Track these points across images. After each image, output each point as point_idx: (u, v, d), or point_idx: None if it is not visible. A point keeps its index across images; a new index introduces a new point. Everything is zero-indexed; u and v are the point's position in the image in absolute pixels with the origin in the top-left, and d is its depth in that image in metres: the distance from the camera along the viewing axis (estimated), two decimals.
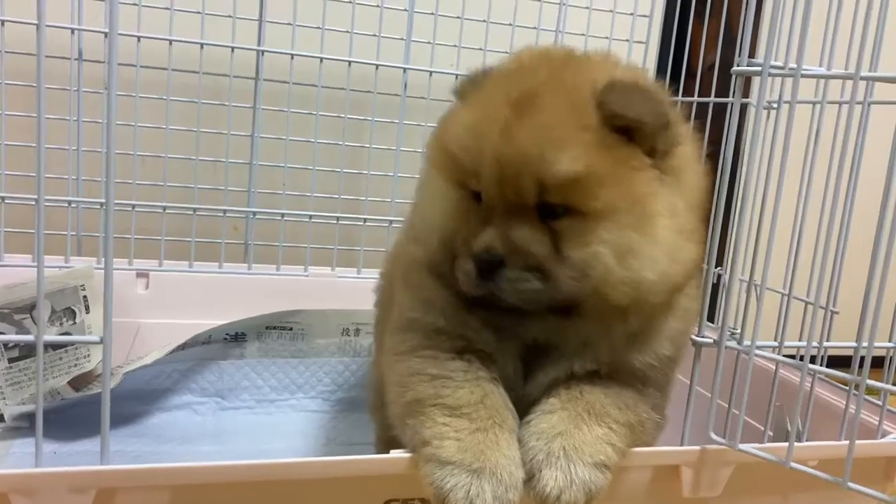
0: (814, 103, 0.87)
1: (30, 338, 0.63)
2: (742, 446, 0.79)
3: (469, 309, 0.76)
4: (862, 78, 0.70)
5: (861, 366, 0.76)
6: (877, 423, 0.90)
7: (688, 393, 0.83)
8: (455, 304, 0.76)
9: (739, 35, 0.76)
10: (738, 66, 0.75)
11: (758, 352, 0.78)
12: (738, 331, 1.02)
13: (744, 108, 0.81)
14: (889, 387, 0.80)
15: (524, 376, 0.78)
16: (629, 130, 0.69)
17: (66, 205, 1.35)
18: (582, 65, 0.75)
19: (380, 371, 0.97)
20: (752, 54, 0.78)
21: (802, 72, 0.72)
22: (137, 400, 1.33)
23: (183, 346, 1.29)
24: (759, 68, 0.73)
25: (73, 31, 1.30)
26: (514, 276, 0.69)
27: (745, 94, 0.82)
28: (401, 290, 0.83)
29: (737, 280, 0.84)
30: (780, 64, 0.75)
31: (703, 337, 0.81)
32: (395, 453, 0.72)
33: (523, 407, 0.77)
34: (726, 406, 0.85)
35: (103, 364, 0.62)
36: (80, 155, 1.34)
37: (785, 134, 0.74)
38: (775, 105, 1.10)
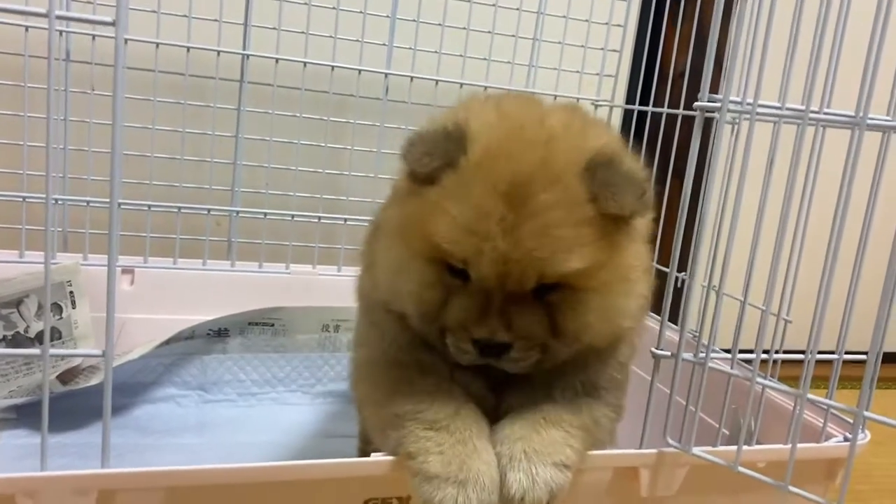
0: (774, 123, 0.93)
1: (35, 352, 0.67)
2: (695, 450, 0.85)
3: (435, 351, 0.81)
4: (810, 121, 0.76)
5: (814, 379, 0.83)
6: (823, 423, 0.97)
7: (647, 399, 0.90)
8: (420, 346, 0.82)
9: (704, 70, 0.81)
10: (699, 100, 0.80)
11: (712, 364, 0.85)
12: (698, 332, 1.09)
13: (710, 120, 0.87)
14: (831, 402, 0.87)
15: (496, 404, 0.83)
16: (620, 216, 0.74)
17: (53, 202, 1.38)
18: (560, 140, 0.75)
19: None
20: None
21: (758, 109, 0.78)
22: (122, 392, 1.37)
23: (167, 342, 1.34)
24: (718, 104, 0.79)
25: (60, 32, 1.32)
26: (519, 356, 0.74)
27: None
28: (364, 322, 0.88)
29: (696, 286, 0.90)
30: (738, 100, 0.81)
31: (661, 350, 0.87)
32: (376, 456, 0.77)
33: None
34: (685, 410, 0.91)
35: (104, 379, 0.67)
36: (67, 153, 1.37)
37: (741, 165, 0.80)
38: (737, 120, 1.16)
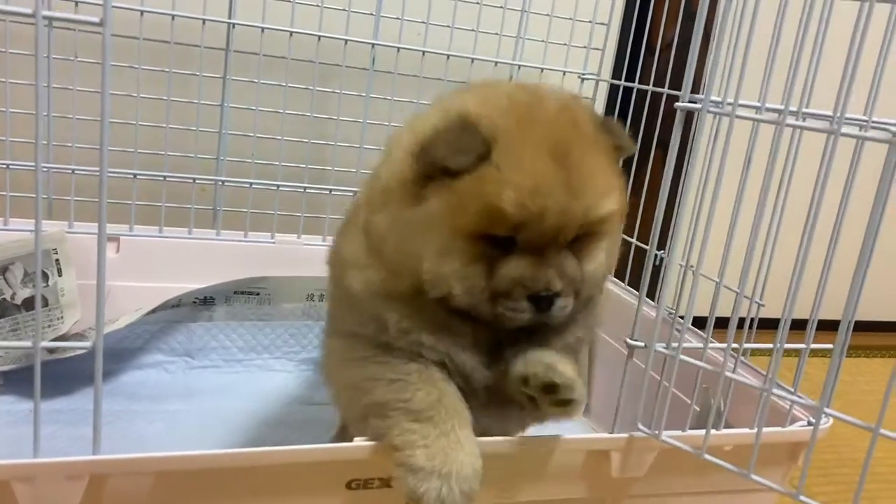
0: (754, 121, 0.94)
1: (26, 344, 0.69)
2: (664, 436, 0.89)
3: (433, 327, 0.82)
4: (787, 125, 0.78)
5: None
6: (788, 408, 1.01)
7: (620, 386, 0.93)
8: (414, 323, 0.83)
9: (686, 69, 0.83)
10: (681, 101, 0.82)
11: (683, 357, 0.88)
12: (674, 309, 1.12)
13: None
14: (795, 398, 0.90)
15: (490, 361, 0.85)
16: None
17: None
18: (570, 104, 0.85)
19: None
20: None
21: (738, 112, 0.80)
22: (109, 358, 1.39)
23: (153, 311, 1.35)
24: (699, 105, 0.81)
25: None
26: (565, 303, 0.81)
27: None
28: (344, 306, 0.89)
29: (675, 265, 0.93)
30: (718, 100, 0.82)
31: (635, 340, 0.90)
32: (358, 441, 0.81)
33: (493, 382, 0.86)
34: (657, 395, 0.95)
35: (95, 369, 0.69)
36: (52, 120, 1.37)
37: (720, 164, 0.82)
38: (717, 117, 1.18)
